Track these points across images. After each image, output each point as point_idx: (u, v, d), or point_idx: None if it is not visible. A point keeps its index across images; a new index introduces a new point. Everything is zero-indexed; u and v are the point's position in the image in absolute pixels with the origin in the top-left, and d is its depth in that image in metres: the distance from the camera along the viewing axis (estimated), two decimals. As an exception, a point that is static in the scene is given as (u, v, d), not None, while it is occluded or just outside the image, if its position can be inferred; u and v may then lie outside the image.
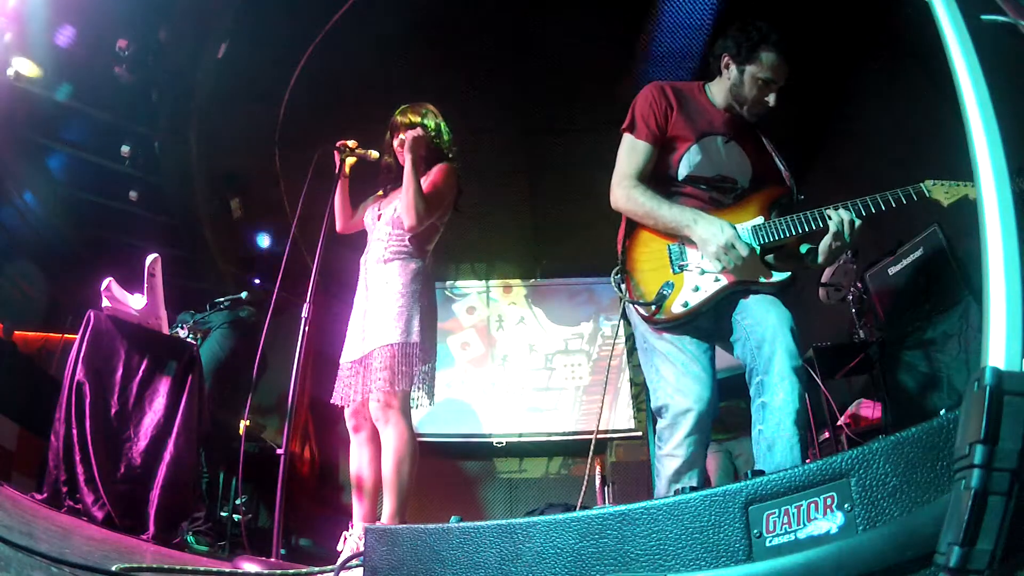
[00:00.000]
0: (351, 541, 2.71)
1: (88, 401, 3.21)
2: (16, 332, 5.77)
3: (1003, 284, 0.91)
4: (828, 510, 1.04)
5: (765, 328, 2.24)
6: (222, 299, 4.54)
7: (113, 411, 3.30)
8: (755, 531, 1.08)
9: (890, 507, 1.00)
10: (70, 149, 5.74)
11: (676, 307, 2.34)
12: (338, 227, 3.32)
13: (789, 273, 2.37)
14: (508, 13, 5.01)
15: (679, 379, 2.34)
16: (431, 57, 5.21)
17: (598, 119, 5.85)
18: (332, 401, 2.96)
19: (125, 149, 5.42)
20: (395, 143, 3.18)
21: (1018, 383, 0.83)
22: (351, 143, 3.20)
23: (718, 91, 2.62)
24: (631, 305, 2.43)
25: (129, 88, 5.05)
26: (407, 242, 3.01)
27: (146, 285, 3.72)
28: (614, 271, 2.46)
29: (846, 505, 1.03)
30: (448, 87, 5.30)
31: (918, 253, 3.83)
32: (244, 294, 4.76)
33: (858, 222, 2.28)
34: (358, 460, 2.96)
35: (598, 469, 5.45)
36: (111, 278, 3.74)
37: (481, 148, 5.70)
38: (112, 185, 5.69)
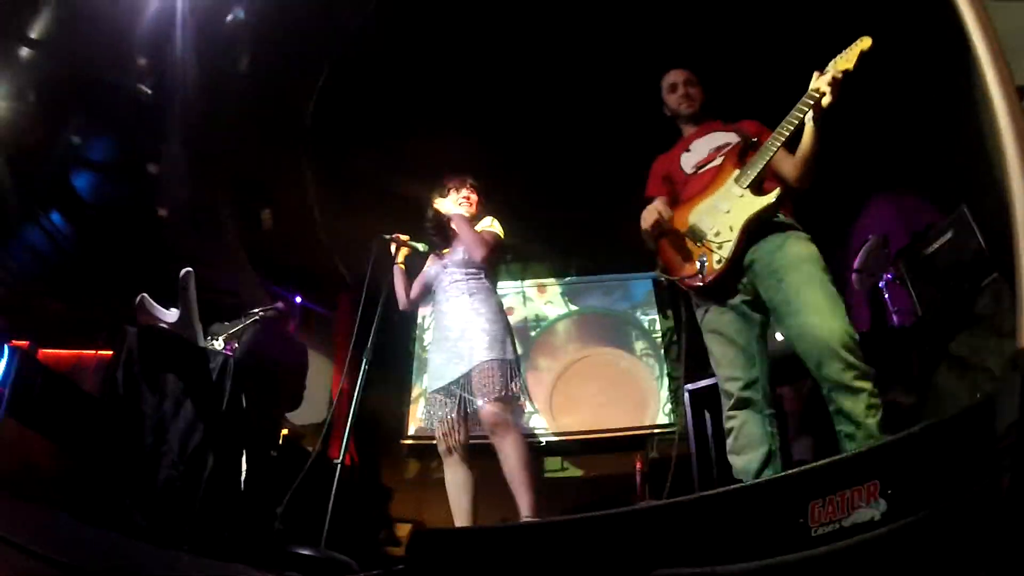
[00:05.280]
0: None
1: (125, 416, 3.27)
2: (47, 350, 5.86)
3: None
4: (871, 498, 1.04)
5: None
6: (256, 309, 4.56)
7: (151, 424, 3.36)
8: (800, 521, 1.09)
9: (931, 493, 1.01)
10: (98, 168, 5.84)
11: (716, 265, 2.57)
12: (400, 307, 3.63)
13: (777, 190, 2.54)
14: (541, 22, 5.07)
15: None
16: (464, 61, 5.26)
17: (616, 117, 5.84)
18: (424, 426, 3.27)
19: (152, 167, 5.52)
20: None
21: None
22: (403, 236, 3.60)
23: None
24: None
25: (155, 106, 5.13)
26: (483, 277, 3.41)
27: (180, 299, 3.79)
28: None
29: (888, 492, 1.03)
30: (474, 91, 5.37)
31: (947, 235, 3.77)
32: (279, 304, 4.80)
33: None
34: (452, 481, 3.25)
35: (639, 465, 5.40)
36: (144, 293, 3.81)
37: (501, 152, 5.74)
38: (141, 203, 5.78)
